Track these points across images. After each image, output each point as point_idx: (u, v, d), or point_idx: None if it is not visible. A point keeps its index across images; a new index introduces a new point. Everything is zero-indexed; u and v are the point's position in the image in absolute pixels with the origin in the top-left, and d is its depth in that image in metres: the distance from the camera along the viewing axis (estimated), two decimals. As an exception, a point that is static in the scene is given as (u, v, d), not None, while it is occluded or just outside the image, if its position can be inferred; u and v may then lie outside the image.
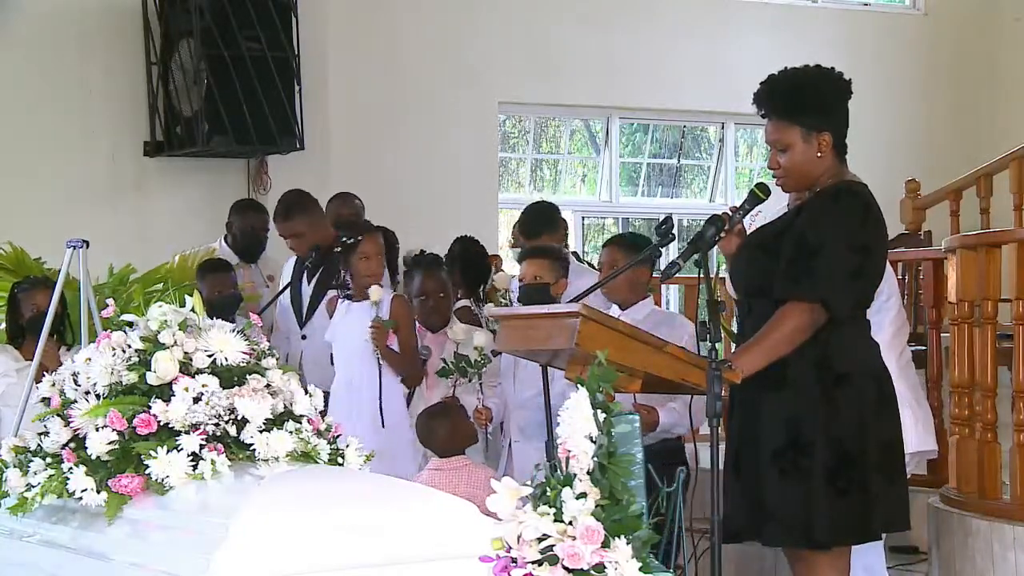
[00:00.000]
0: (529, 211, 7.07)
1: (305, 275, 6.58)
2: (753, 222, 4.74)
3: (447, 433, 5.40)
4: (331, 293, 6.36)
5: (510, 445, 5.83)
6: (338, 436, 3.74)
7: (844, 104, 4.30)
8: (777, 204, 4.56)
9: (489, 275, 7.20)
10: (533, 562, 2.82)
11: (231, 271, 6.55)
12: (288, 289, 6.65)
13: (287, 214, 6.65)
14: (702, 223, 4.25)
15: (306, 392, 3.73)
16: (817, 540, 4.13)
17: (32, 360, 5.29)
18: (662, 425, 5.27)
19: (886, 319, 5.18)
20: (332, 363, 6.15)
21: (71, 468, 3.50)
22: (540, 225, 6.72)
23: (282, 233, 6.66)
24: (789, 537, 4.21)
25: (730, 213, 4.25)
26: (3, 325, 6.18)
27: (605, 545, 2.80)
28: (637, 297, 5.49)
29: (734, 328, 7.25)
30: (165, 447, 3.44)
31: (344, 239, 5.91)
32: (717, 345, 3.86)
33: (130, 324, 3.72)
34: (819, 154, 4.23)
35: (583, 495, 2.82)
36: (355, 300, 5.88)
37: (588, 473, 2.85)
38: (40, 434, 3.68)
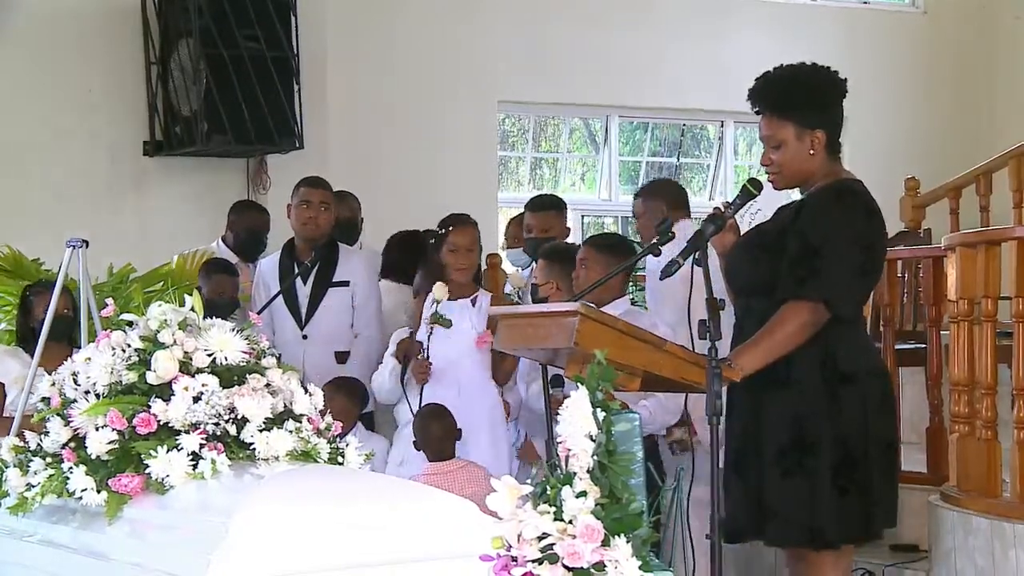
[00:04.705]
0: (538, 195, 7.39)
1: (300, 275, 6.56)
2: (753, 220, 4.73)
3: (441, 434, 5.43)
4: (332, 291, 6.36)
5: (526, 439, 5.88)
6: (338, 435, 3.74)
7: (838, 103, 4.29)
8: (776, 202, 4.55)
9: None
10: (533, 561, 2.82)
11: (236, 276, 6.54)
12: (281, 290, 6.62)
13: (330, 187, 6.69)
14: (701, 221, 4.25)
15: (306, 392, 3.73)
16: (823, 539, 4.13)
17: (46, 363, 5.27)
18: None
19: None
20: (340, 363, 6.19)
21: (71, 468, 3.50)
22: (548, 205, 6.86)
23: (321, 199, 6.54)
24: (794, 536, 4.20)
25: (722, 209, 4.24)
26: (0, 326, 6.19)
27: (605, 544, 2.80)
28: (612, 296, 5.47)
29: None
30: (165, 446, 3.44)
31: (440, 229, 5.87)
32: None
33: (130, 323, 3.72)
34: (812, 151, 4.23)
35: (583, 494, 2.82)
36: (449, 298, 5.72)
37: (588, 471, 2.85)
38: (40, 434, 3.68)
